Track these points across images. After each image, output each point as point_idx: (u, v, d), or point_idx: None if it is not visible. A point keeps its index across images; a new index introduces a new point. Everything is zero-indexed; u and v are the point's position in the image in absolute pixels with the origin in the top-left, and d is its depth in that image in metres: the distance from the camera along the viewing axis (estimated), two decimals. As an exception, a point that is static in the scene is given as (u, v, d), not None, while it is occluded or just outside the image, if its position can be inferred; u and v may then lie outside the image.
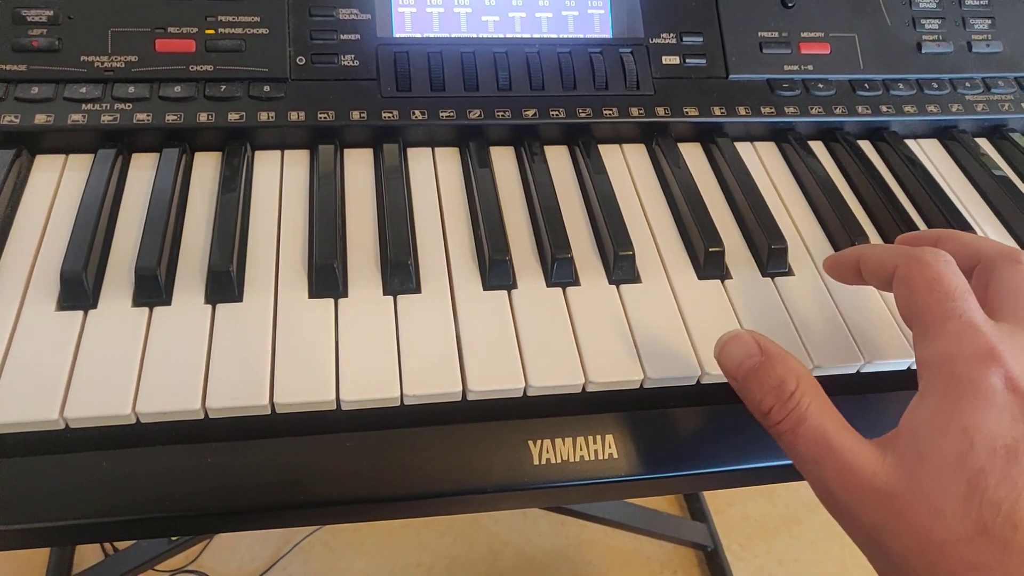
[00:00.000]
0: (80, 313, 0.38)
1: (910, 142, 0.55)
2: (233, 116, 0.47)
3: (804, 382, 0.33)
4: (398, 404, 0.37)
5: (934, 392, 0.31)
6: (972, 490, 0.28)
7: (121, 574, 0.99)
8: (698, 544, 1.16)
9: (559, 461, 0.38)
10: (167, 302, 0.39)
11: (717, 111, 0.51)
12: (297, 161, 0.48)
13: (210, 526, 0.37)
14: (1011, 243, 0.50)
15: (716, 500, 1.23)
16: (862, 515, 0.31)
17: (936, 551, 0.29)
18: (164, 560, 1.03)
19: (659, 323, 0.41)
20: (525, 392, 0.38)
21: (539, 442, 0.38)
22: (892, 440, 0.31)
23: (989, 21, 0.56)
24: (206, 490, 0.36)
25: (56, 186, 0.45)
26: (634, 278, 0.43)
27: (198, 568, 1.07)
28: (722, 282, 0.44)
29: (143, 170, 0.46)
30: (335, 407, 0.37)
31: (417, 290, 0.41)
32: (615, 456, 0.39)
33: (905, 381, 0.41)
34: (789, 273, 0.45)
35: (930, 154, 0.55)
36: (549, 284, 0.42)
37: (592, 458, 0.39)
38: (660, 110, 0.51)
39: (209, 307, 0.39)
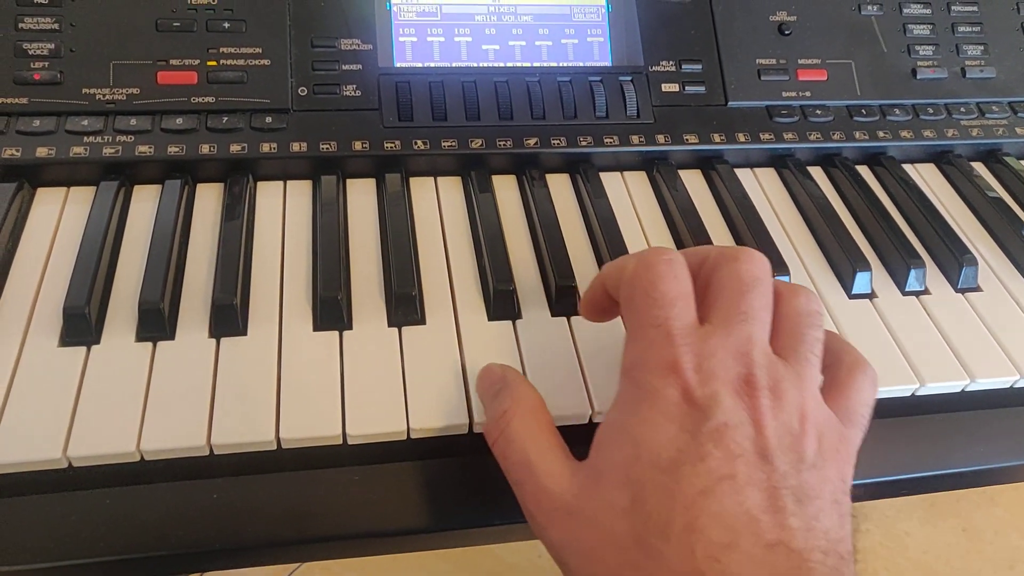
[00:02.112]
0: (83, 349, 0.38)
1: (907, 167, 0.56)
2: (235, 147, 0.47)
3: (519, 404, 0.33)
4: (405, 438, 0.37)
5: (620, 400, 0.32)
6: (634, 502, 0.29)
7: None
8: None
9: (566, 492, 0.38)
10: (171, 336, 0.39)
11: (717, 138, 0.52)
12: (299, 192, 0.48)
13: (216, 563, 0.37)
14: (1006, 264, 0.50)
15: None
16: (551, 534, 0.31)
17: (600, 565, 0.29)
18: (160, 589, 1.01)
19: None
20: (532, 424, 0.38)
21: (546, 473, 0.38)
22: (589, 455, 0.32)
23: (982, 47, 0.57)
24: (211, 527, 0.35)
25: (58, 219, 0.45)
26: (638, 306, 0.43)
27: (195, 596, 1.06)
28: (726, 309, 0.44)
29: (145, 202, 0.46)
30: (342, 442, 0.36)
31: (422, 321, 0.41)
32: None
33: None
34: (792, 300, 0.45)
35: (927, 178, 0.56)
36: (554, 313, 0.42)
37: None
38: (661, 138, 0.51)
39: (213, 341, 0.39)
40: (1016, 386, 0.43)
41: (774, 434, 0.29)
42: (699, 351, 0.30)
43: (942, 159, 0.57)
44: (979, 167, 0.57)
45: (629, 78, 0.52)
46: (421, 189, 0.49)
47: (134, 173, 0.47)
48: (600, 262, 0.46)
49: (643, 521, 0.28)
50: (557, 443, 0.33)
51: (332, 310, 0.40)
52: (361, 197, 0.48)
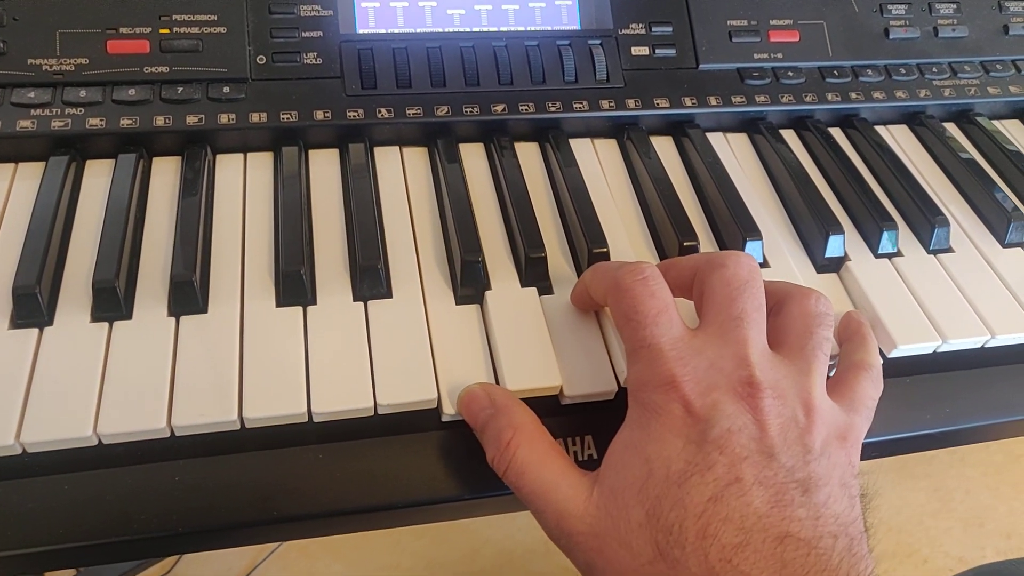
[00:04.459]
0: (35, 331, 0.37)
1: (880, 128, 0.55)
2: (192, 119, 0.45)
3: (521, 432, 0.33)
4: (372, 414, 0.36)
5: (629, 420, 0.33)
6: (650, 517, 0.30)
7: (94, 588, 0.97)
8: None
9: (539, 464, 0.37)
10: (128, 316, 0.38)
11: (688, 102, 0.51)
12: (260, 164, 0.46)
13: (181, 546, 0.36)
14: (978, 225, 0.50)
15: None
16: (577, 556, 0.32)
17: None
18: (138, 572, 1.00)
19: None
20: (503, 396, 0.37)
21: (518, 446, 0.37)
22: (600, 473, 0.33)
23: (955, 6, 0.56)
24: (175, 510, 0.34)
25: (6, 196, 0.43)
26: (610, 275, 0.42)
27: (173, 579, 1.05)
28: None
29: (98, 177, 0.44)
30: (307, 419, 0.36)
31: (388, 295, 0.40)
32: (595, 456, 0.38)
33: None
34: (765, 265, 0.45)
35: (899, 140, 0.55)
36: (523, 284, 0.41)
37: (573, 459, 0.38)
38: (631, 102, 0.50)
39: (172, 320, 0.38)
40: (987, 346, 0.43)
41: (778, 432, 0.30)
42: (696, 363, 0.32)
43: (914, 120, 0.56)
44: (951, 128, 0.56)
45: (598, 41, 0.51)
46: (386, 159, 0.48)
47: (85, 147, 0.45)
48: (569, 232, 0.45)
49: (661, 534, 0.29)
50: (565, 462, 0.33)
51: (295, 285, 0.39)
52: (324, 168, 0.47)
